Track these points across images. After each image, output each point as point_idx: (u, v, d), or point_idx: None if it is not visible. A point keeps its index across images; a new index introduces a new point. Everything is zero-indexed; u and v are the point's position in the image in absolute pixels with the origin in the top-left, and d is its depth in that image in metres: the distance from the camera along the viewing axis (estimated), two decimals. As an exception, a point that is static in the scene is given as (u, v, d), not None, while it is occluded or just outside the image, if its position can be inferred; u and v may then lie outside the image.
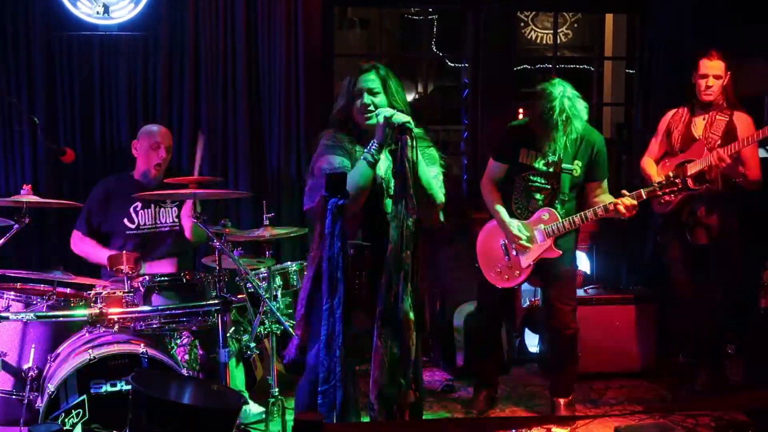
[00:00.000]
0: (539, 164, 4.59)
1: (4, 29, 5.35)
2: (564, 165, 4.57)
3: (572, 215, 4.57)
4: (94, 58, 5.47)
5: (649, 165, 5.17)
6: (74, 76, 5.47)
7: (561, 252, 4.65)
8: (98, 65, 5.48)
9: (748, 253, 5.14)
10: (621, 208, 4.45)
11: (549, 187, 4.62)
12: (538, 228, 4.64)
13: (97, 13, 5.39)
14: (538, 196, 4.65)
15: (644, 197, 4.49)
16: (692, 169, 4.85)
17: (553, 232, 4.61)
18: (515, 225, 4.66)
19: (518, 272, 4.73)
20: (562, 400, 4.87)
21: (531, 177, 4.64)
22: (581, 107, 4.45)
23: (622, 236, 6.29)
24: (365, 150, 3.46)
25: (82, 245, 4.93)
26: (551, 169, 4.58)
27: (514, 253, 4.72)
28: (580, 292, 5.68)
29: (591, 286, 5.81)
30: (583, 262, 6.18)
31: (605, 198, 4.61)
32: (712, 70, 4.87)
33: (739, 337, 5.35)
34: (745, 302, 5.25)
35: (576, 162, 4.59)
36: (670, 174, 4.63)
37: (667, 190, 4.49)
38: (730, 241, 4.98)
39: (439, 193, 3.59)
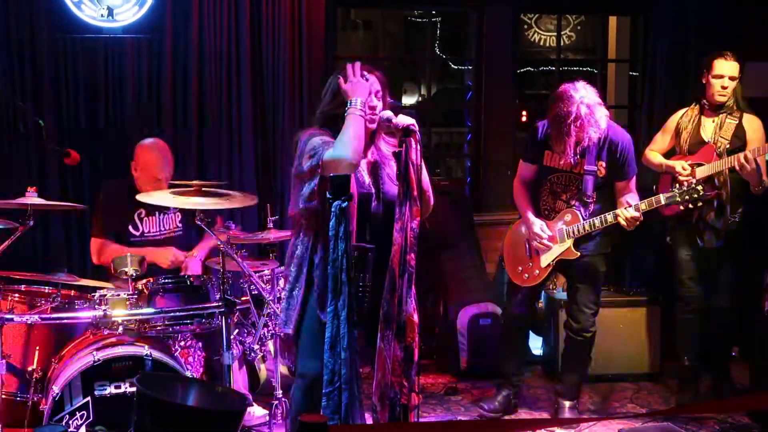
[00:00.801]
0: (562, 165, 4.62)
1: (9, 32, 5.36)
2: (586, 167, 4.57)
3: (593, 218, 4.58)
4: (99, 60, 5.48)
5: (656, 156, 5.14)
6: (79, 78, 5.48)
7: (579, 254, 4.66)
8: (103, 68, 5.49)
9: (752, 255, 5.13)
10: (621, 219, 4.47)
11: (573, 188, 4.63)
12: (559, 228, 4.66)
13: (102, 16, 5.40)
14: (563, 197, 4.68)
15: (663, 202, 4.49)
16: (702, 174, 4.85)
17: (573, 233, 4.62)
18: (538, 224, 4.69)
19: (537, 271, 4.76)
20: (567, 403, 4.87)
21: (555, 179, 4.68)
22: (600, 116, 4.43)
23: (628, 238, 6.26)
24: (347, 106, 3.39)
25: (108, 251, 4.85)
26: (573, 171, 4.60)
27: (536, 251, 4.74)
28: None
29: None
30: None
31: (631, 198, 4.57)
32: (729, 71, 4.86)
33: (743, 340, 5.34)
34: (750, 305, 5.24)
35: (599, 163, 4.58)
36: (693, 180, 4.60)
37: (687, 197, 4.47)
38: (737, 244, 4.97)
39: (431, 196, 3.58)
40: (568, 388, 4.91)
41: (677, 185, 4.60)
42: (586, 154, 4.56)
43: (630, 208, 4.46)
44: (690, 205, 4.57)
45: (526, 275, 4.81)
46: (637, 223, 4.48)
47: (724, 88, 4.87)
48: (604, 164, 4.59)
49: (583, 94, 4.41)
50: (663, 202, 4.50)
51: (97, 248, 4.92)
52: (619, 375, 5.57)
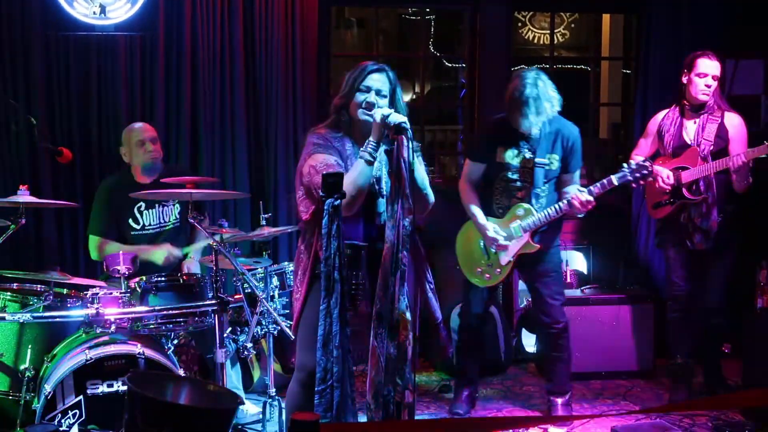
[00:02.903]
0: (514, 161, 4.64)
1: (1, 29, 5.34)
2: (537, 159, 4.61)
3: (547, 208, 4.63)
4: (91, 58, 5.46)
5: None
6: (71, 76, 5.46)
7: (539, 246, 4.69)
8: (95, 65, 5.47)
9: (745, 253, 5.14)
10: (575, 203, 4.53)
11: (525, 183, 4.66)
12: (513, 224, 4.68)
13: (94, 13, 5.38)
14: (517, 193, 4.69)
15: (615, 183, 4.54)
16: (687, 178, 4.86)
17: (529, 227, 4.65)
18: (491, 227, 4.69)
19: (498, 270, 4.77)
20: (559, 400, 4.88)
21: (509, 176, 4.68)
22: (553, 94, 4.51)
23: (620, 236, 6.29)
24: (362, 149, 3.45)
25: (108, 249, 4.85)
26: (526, 165, 4.63)
27: (493, 250, 4.74)
28: (577, 292, 5.71)
29: (588, 286, 5.82)
30: (580, 262, 6.19)
31: (573, 189, 4.66)
32: (712, 70, 4.86)
33: (736, 337, 5.35)
34: (743, 302, 5.25)
35: (551, 156, 4.64)
36: (640, 158, 4.67)
37: (638, 175, 4.53)
38: (727, 244, 4.99)
39: (432, 193, 3.62)
40: (557, 384, 4.93)
41: (625, 164, 4.61)
42: (537, 147, 4.60)
43: (583, 191, 4.53)
44: (642, 182, 4.62)
45: (487, 276, 4.81)
46: (590, 207, 4.53)
47: (707, 86, 4.87)
48: (557, 157, 4.64)
49: (536, 74, 4.50)
50: (615, 183, 4.55)
51: (96, 245, 4.93)
52: (613, 372, 5.58)
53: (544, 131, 4.60)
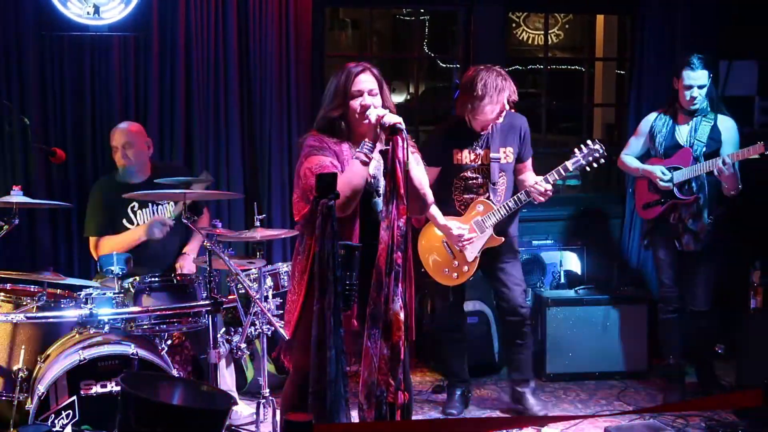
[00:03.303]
0: (470, 160, 4.71)
1: (-6, 29, 5.33)
2: (492, 155, 4.70)
3: (506, 201, 4.71)
4: (85, 58, 5.45)
5: (632, 161, 5.17)
6: (65, 76, 5.44)
7: (504, 239, 4.75)
8: (89, 65, 5.46)
9: (738, 254, 5.16)
10: (534, 194, 4.65)
11: (482, 178, 4.73)
12: (475, 220, 4.73)
13: (88, 13, 5.37)
14: (476, 190, 4.75)
15: (570, 169, 4.67)
16: (680, 179, 4.88)
17: (492, 220, 4.71)
18: (454, 226, 4.71)
19: (466, 267, 4.80)
20: (527, 390, 4.92)
21: (467, 174, 4.74)
22: (512, 86, 4.59)
23: (613, 237, 6.30)
24: (358, 149, 3.45)
25: (107, 243, 4.88)
26: (482, 162, 4.71)
27: (458, 249, 4.76)
28: (570, 293, 5.72)
29: (582, 287, 5.81)
30: (574, 263, 6.19)
31: (529, 176, 4.79)
32: (696, 81, 4.86)
33: (729, 338, 5.36)
34: (736, 303, 5.26)
35: (505, 149, 4.74)
36: (588, 141, 4.75)
37: (591, 158, 4.67)
38: (716, 246, 5.00)
39: (431, 193, 3.64)
40: (521, 373, 4.95)
41: (576, 149, 4.73)
42: (490, 143, 4.69)
43: (541, 180, 4.65)
44: (595, 165, 4.72)
45: (455, 274, 4.83)
46: (549, 195, 4.65)
47: (693, 97, 4.89)
48: (511, 149, 4.75)
49: (491, 73, 4.57)
50: (570, 168, 4.68)
51: (94, 244, 4.95)
52: (606, 373, 5.58)
53: (495, 126, 4.69)
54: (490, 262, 4.86)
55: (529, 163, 4.86)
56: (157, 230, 4.83)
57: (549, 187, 4.65)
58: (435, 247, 4.86)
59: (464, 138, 4.73)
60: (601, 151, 4.68)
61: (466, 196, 4.77)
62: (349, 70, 3.60)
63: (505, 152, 4.74)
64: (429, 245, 4.89)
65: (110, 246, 4.81)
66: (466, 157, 4.73)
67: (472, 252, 4.76)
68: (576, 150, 4.73)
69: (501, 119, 4.66)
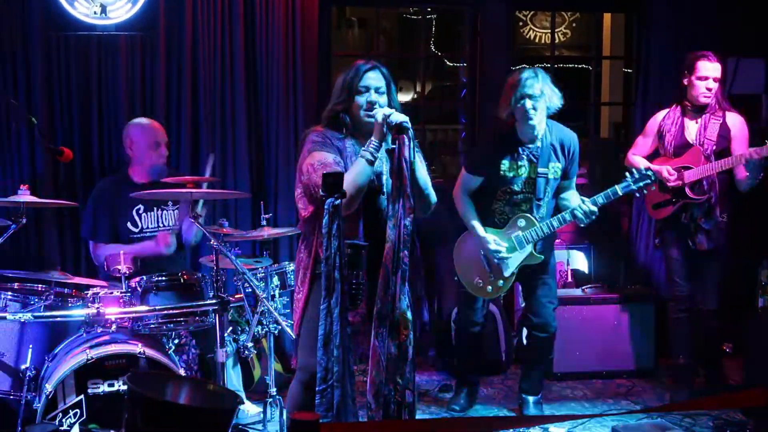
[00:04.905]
0: (518, 173, 4.61)
1: (2, 29, 5.33)
2: (540, 170, 4.59)
3: (549, 219, 4.61)
4: (92, 58, 5.46)
5: (640, 160, 5.15)
6: (72, 76, 5.46)
7: (543, 257, 4.68)
8: (96, 65, 5.47)
9: (746, 252, 5.14)
10: (579, 214, 4.50)
11: (528, 193, 4.64)
12: (516, 236, 4.64)
13: (95, 13, 5.38)
14: (520, 204, 4.66)
15: (620, 193, 4.54)
16: (691, 178, 4.85)
17: (532, 238, 4.62)
18: (491, 239, 4.65)
19: (501, 282, 4.73)
20: (531, 398, 4.92)
21: (512, 188, 4.64)
22: (555, 91, 4.50)
23: (621, 236, 6.29)
24: (363, 148, 3.45)
25: (105, 251, 4.82)
26: (529, 176, 4.61)
27: (495, 262, 4.71)
28: (577, 292, 5.72)
29: (589, 286, 5.81)
30: (581, 261, 6.19)
31: (571, 196, 4.68)
32: (713, 73, 4.85)
33: (737, 336, 5.34)
34: (744, 302, 5.24)
35: (553, 165, 4.61)
36: (642, 167, 4.65)
37: (641, 184, 4.53)
38: (726, 245, 4.98)
39: (434, 193, 3.62)
40: (532, 384, 4.95)
41: (628, 174, 4.60)
42: (538, 157, 4.58)
43: (587, 202, 4.51)
44: (645, 191, 4.60)
45: (489, 288, 4.77)
46: (593, 217, 4.52)
47: (708, 89, 4.87)
48: (559, 165, 4.63)
49: (533, 71, 4.49)
50: (620, 193, 4.55)
51: (92, 250, 4.92)
52: (613, 372, 5.58)
53: (545, 141, 4.58)
54: (527, 276, 4.79)
55: (573, 181, 4.74)
56: (171, 246, 4.82)
57: (595, 209, 4.50)
58: (472, 259, 4.79)
59: (512, 150, 4.61)
60: (653, 178, 4.55)
61: (508, 209, 4.67)
62: (358, 66, 3.60)
63: (553, 168, 4.62)
64: (466, 253, 4.83)
65: (109, 254, 4.76)
66: (513, 169, 4.61)
67: (509, 267, 4.69)
68: (627, 174, 4.58)
69: (549, 135, 4.56)
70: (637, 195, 4.65)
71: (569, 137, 4.66)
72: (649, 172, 4.54)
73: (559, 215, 4.60)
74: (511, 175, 4.62)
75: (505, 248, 4.64)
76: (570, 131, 4.69)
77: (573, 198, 4.67)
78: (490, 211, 4.72)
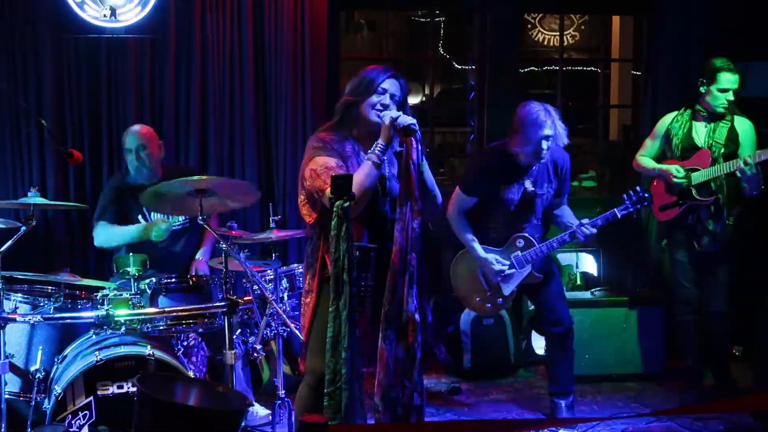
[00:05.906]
0: (517, 195, 4.64)
1: (12, 32, 5.37)
2: (538, 191, 4.66)
3: (548, 240, 4.67)
4: (101, 60, 5.48)
5: (649, 161, 5.15)
6: (82, 78, 5.48)
7: (542, 276, 4.73)
8: (105, 68, 5.49)
9: (756, 254, 5.12)
10: (580, 236, 4.61)
11: (526, 214, 4.68)
12: (515, 255, 4.69)
13: (104, 16, 5.40)
14: (516, 223, 4.69)
15: (619, 216, 4.64)
16: (698, 180, 4.85)
17: (532, 258, 4.66)
18: (492, 258, 4.69)
19: (501, 300, 4.79)
20: (563, 402, 4.87)
21: (511, 209, 4.67)
22: (563, 129, 4.54)
23: (629, 238, 6.27)
24: (369, 151, 3.45)
25: (110, 230, 4.89)
26: (527, 198, 4.65)
27: (494, 281, 4.74)
28: (586, 295, 5.70)
29: (598, 289, 5.80)
30: (590, 264, 6.17)
31: (564, 211, 4.77)
32: (733, 85, 4.85)
33: (746, 340, 5.32)
34: (753, 305, 5.22)
35: (547, 185, 4.68)
36: (637, 188, 4.70)
37: (639, 206, 4.66)
38: (733, 247, 4.97)
39: (440, 194, 3.62)
40: (561, 386, 4.91)
41: (625, 196, 4.68)
42: (536, 178, 4.64)
43: (587, 224, 4.60)
44: (640, 210, 4.74)
45: (489, 305, 4.82)
46: (592, 237, 4.64)
47: (729, 101, 4.87)
48: (554, 185, 4.69)
49: (548, 112, 4.50)
50: (619, 216, 4.64)
51: (98, 232, 4.94)
52: (623, 375, 5.56)
53: (541, 163, 4.63)
54: (532, 287, 4.83)
55: (565, 198, 4.81)
56: (161, 233, 4.83)
57: (595, 231, 4.60)
58: (470, 275, 4.82)
59: (511, 173, 4.64)
60: (650, 200, 4.69)
61: (502, 227, 4.71)
62: (385, 68, 3.59)
63: (547, 188, 4.68)
64: (464, 272, 4.86)
65: (106, 233, 4.85)
66: (513, 192, 4.65)
67: (509, 286, 4.74)
68: (625, 196, 4.66)
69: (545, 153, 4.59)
70: (635, 216, 4.79)
71: (562, 157, 4.72)
72: (646, 195, 4.65)
73: (559, 236, 4.67)
74: (509, 197, 4.66)
75: (507, 267, 4.70)
76: (563, 150, 4.73)
77: (566, 213, 4.77)
78: (488, 232, 4.76)
